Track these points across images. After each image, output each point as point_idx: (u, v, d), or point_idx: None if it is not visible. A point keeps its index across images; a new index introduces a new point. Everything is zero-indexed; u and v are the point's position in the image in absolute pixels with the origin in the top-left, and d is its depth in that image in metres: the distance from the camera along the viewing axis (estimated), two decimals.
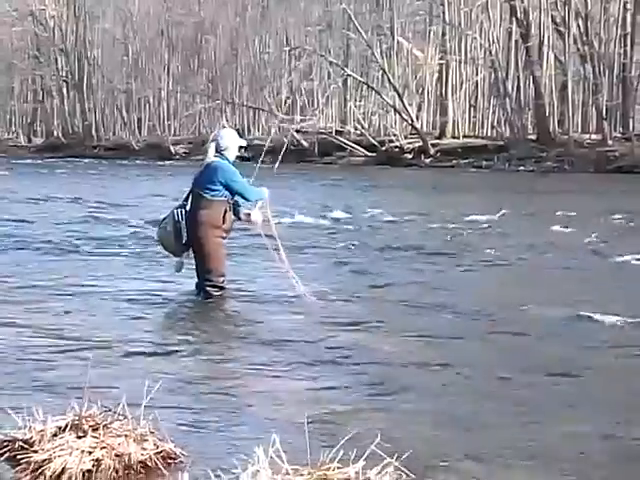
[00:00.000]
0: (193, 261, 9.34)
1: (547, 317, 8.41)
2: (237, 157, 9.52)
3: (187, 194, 9.41)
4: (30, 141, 61.70)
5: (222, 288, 9.26)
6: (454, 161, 39.03)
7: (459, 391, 6.10)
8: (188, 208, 9.30)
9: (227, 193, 9.21)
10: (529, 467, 4.70)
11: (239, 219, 9.64)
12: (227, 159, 9.32)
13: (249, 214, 9.49)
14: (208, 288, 9.18)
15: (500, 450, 4.94)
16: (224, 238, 9.35)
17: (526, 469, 4.67)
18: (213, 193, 9.16)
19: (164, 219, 9.44)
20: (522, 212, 18.94)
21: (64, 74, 58.83)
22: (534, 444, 5.04)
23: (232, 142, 9.43)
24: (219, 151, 9.35)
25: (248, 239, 12.49)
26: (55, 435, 4.50)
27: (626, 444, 5.07)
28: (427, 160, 40.25)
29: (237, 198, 9.39)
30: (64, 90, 59.03)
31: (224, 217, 9.19)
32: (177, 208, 9.32)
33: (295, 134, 44.38)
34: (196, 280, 9.31)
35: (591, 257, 12.59)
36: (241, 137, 9.85)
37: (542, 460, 4.79)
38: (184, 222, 9.18)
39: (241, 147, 9.58)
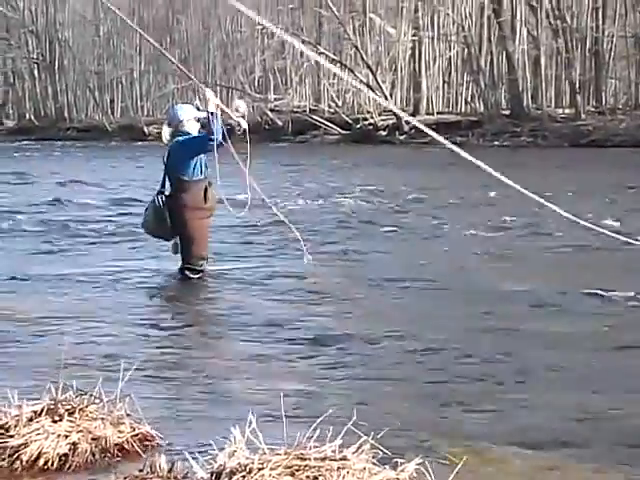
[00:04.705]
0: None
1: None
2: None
3: (162, 179, 9.25)
4: (2, 124, 61.19)
5: (201, 272, 9.18)
6: (428, 137, 39.02)
7: (436, 368, 6.11)
8: (167, 193, 9.16)
9: (203, 168, 9.05)
10: (507, 444, 4.71)
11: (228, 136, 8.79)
12: (188, 134, 9.05)
13: (238, 111, 8.89)
14: (187, 272, 9.12)
15: (478, 427, 4.95)
16: (208, 217, 9.23)
17: (505, 446, 4.68)
18: (189, 173, 9.02)
19: (146, 209, 9.30)
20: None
21: (35, 56, 58.31)
22: (513, 422, 5.06)
23: (186, 116, 9.10)
24: (176, 129, 9.11)
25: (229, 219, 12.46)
26: (31, 420, 4.48)
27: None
28: (401, 137, 40.23)
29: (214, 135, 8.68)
30: (35, 72, 58.54)
31: (205, 196, 9.06)
32: (156, 195, 9.19)
33: (269, 113, 44.27)
34: (179, 262, 9.23)
35: None
36: (199, 109, 9.45)
37: (522, 438, 4.81)
38: (165, 208, 9.05)
39: (200, 119, 9.11)
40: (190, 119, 9.12)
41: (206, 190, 9.04)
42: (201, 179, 9.03)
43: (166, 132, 9.20)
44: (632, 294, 8.09)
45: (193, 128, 9.12)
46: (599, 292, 8.19)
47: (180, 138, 9.06)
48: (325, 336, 6.89)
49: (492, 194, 16.58)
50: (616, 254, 10.21)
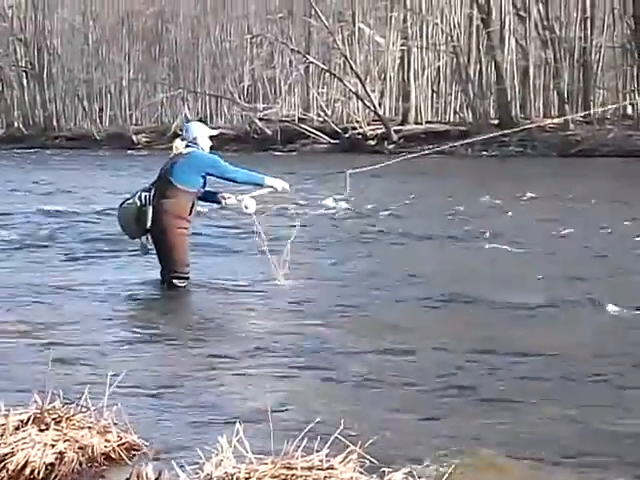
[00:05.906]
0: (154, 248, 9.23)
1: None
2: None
3: (155, 180, 9.24)
4: None
5: (187, 278, 9.18)
6: (417, 147, 39.11)
7: (423, 378, 6.11)
8: (154, 193, 9.14)
9: (200, 183, 9.07)
10: (495, 453, 4.71)
11: (218, 203, 9.52)
12: (203, 149, 9.20)
13: (247, 208, 9.25)
14: (174, 280, 9.09)
15: (466, 436, 4.95)
16: (186, 228, 9.23)
17: (493, 455, 4.68)
18: (184, 182, 9.01)
19: (127, 199, 9.27)
20: None
21: (24, 64, 58.26)
22: (502, 430, 5.06)
23: (200, 133, 9.29)
24: (189, 143, 9.20)
25: (210, 228, 12.44)
26: (17, 429, 4.47)
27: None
28: (390, 146, 40.29)
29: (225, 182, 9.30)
30: (24, 80, 58.47)
31: (191, 209, 9.08)
32: (143, 191, 9.15)
33: (258, 122, 44.29)
34: (160, 270, 9.21)
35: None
36: (212, 128, 9.73)
37: (509, 447, 4.81)
38: (150, 207, 9.06)
39: (212, 137, 9.40)
40: (203, 136, 9.31)
41: (193, 203, 9.08)
42: (191, 191, 9.03)
43: (180, 145, 9.24)
44: None
45: (206, 145, 9.29)
46: None
47: (215, 158, 9.18)
48: (311, 347, 6.89)
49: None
50: None
